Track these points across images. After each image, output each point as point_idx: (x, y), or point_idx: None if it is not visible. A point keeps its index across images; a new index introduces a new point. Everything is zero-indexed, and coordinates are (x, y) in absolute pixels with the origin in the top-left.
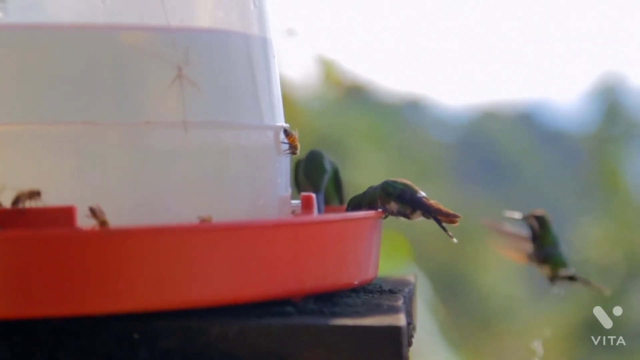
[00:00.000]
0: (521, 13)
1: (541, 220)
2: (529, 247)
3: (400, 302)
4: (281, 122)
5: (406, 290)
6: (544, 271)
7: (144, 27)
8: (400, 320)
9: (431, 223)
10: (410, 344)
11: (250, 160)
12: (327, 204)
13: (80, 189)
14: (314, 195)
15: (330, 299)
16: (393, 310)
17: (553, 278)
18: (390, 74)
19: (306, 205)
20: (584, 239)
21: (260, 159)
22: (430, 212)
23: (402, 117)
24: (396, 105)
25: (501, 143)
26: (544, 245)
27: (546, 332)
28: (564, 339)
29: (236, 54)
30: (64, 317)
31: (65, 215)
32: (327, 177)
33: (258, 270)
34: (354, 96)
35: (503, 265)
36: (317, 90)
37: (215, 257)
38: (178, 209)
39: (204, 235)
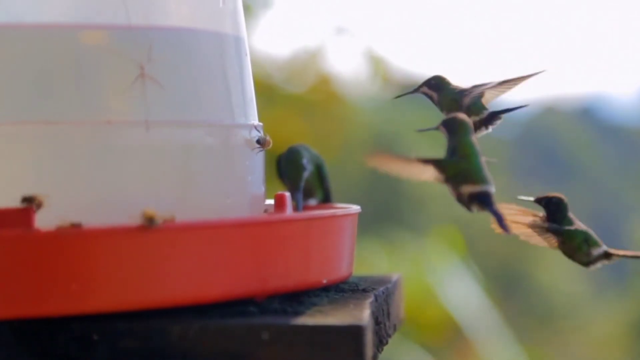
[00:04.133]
0: (580, 9)
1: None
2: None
3: (368, 301)
4: (254, 120)
5: (380, 289)
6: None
7: (104, 26)
8: (363, 319)
9: (493, 219)
10: (384, 342)
11: (217, 159)
12: (310, 198)
13: (41, 188)
14: (287, 194)
15: (297, 298)
16: (358, 309)
17: (587, 261)
18: (447, 70)
19: (279, 204)
20: None
21: (228, 158)
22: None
23: None
24: None
25: (560, 138)
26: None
27: (608, 329)
28: (625, 336)
29: (205, 52)
30: (17, 318)
31: (22, 216)
32: (305, 175)
33: (218, 270)
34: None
35: (564, 262)
36: (371, 88)
37: (172, 257)
38: (141, 208)
39: (160, 235)
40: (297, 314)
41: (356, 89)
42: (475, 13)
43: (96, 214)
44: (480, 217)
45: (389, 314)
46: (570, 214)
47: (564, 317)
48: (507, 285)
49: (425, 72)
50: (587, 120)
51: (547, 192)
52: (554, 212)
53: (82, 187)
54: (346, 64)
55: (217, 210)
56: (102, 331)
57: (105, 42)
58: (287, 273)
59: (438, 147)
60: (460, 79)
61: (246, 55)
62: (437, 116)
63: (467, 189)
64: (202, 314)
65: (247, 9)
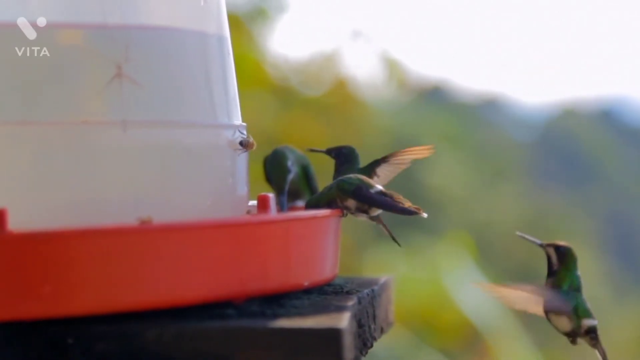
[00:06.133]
0: (601, 10)
1: (562, 253)
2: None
3: (350, 303)
4: (237, 121)
5: (365, 291)
6: (560, 323)
7: (80, 25)
8: (342, 322)
9: (511, 223)
10: (369, 345)
11: (198, 160)
12: (297, 200)
13: (17, 189)
14: (270, 195)
15: (277, 301)
16: (339, 311)
17: (572, 332)
18: (467, 73)
19: (262, 205)
20: None
21: (209, 158)
22: (386, 208)
23: (479, 116)
24: (473, 104)
25: (581, 141)
26: (561, 286)
27: (628, 333)
28: None
29: (186, 51)
30: None
31: None
32: (289, 177)
33: (196, 272)
34: (429, 96)
35: (584, 266)
36: (387, 91)
37: (149, 259)
38: (119, 209)
39: (136, 236)
40: (276, 316)
41: (372, 92)
42: (492, 16)
43: (73, 215)
44: (498, 221)
45: (374, 317)
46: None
47: None
48: None
49: (451, 75)
50: (607, 122)
51: (567, 195)
52: (343, 162)
53: (58, 188)
54: (362, 67)
55: (198, 212)
56: (77, 335)
57: (81, 42)
58: (266, 275)
59: (457, 152)
60: (476, 82)
61: (229, 54)
62: (455, 119)
63: (587, 322)
64: (179, 316)
65: (263, 12)
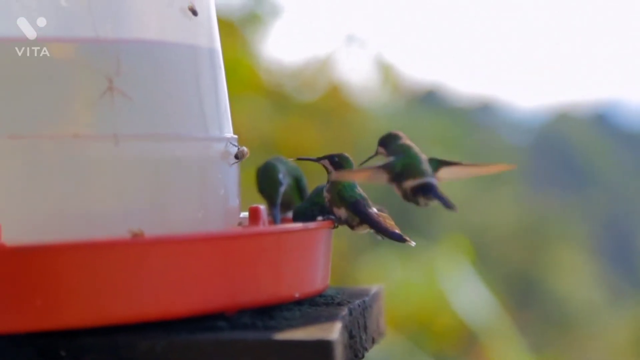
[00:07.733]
0: (593, 14)
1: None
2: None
3: (341, 314)
4: (229, 133)
5: (356, 302)
6: (397, 192)
7: (71, 39)
8: (333, 333)
9: (507, 227)
10: (360, 356)
11: (189, 173)
12: (289, 211)
13: (7, 203)
14: (261, 207)
15: (269, 313)
16: (329, 323)
17: (407, 197)
18: (461, 77)
19: (253, 217)
20: None
21: (201, 171)
22: (377, 228)
23: (473, 120)
24: (467, 108)
25: (576, 145)
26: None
27: (624, 336)
28: None
29: (177, 65)
30: None
31: None
32: (281, 190)
33: (188, 285)
34: (423, 100)
35: (580, 269)
36: (382, 95)
37: (140, 272)
38: (110, 222)
39: (128, 250)
40: (267, 328)
41: (367, 96)
42: (486, 20)
43: (64, 228)
44: (495, 225)
45: (365, 327)
46: None
47: (580, 324)
48: (522, 292)
49: (446, 79)
50: (602, 126)
51: (562, 199)
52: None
53: (49, 201)
54: (356, 72)
55: (190, 224)
56: (69, 346)
57: (72, 55)
58: (257, 287)
59: (451, 156)
60: (471, 86)
61: (220, 67)
62: (449, 123)
63: (409, 183)
64: (171, 329)
65: (256, 17)
